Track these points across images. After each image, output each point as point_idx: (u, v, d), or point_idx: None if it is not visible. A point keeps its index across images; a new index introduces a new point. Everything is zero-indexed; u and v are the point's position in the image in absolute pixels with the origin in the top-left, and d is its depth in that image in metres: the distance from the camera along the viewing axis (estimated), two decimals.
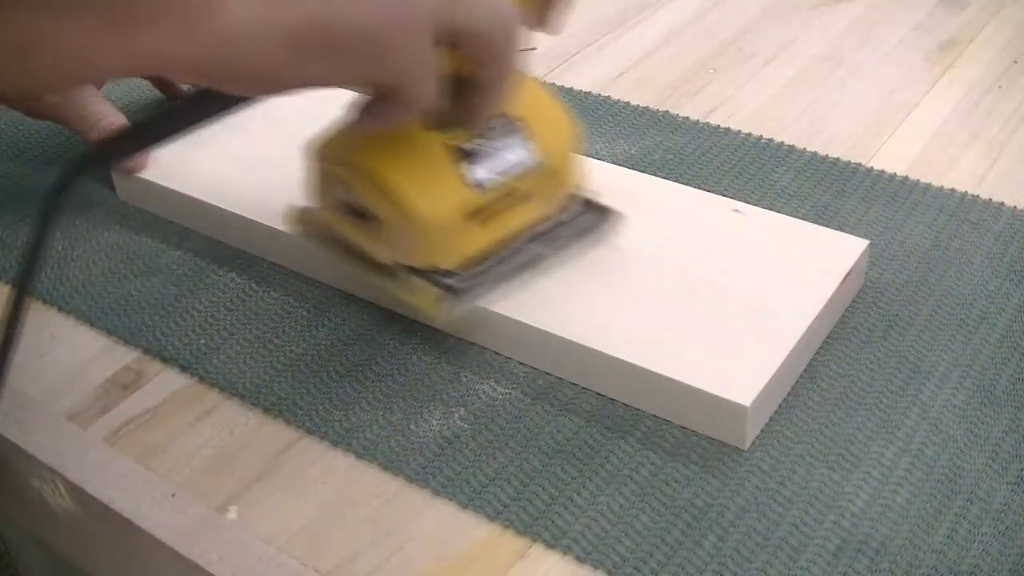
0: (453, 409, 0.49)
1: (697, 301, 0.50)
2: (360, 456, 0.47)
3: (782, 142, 0.65)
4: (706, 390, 0.45)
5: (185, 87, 0.69)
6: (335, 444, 0.48)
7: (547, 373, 0.50)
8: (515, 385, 0.50)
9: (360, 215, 0.50)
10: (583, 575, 0.42)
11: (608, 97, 0.72)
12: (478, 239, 0.50)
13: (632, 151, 0.66)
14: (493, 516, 0.44)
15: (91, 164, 0.48)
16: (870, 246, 0.53)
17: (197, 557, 0.43)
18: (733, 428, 0.45)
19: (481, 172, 0.49)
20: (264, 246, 0.58)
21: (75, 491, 0.48)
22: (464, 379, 0.50)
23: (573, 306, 0.50)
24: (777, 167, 0.63)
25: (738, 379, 0.45)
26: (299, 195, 0.53)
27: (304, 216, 0.54)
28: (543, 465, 0.46)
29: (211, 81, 0.40)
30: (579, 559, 0.42)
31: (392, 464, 0.46)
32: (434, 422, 0.48)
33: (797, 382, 0.49)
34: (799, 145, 0.65)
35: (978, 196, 0.60)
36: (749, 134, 0.66)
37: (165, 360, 0.53)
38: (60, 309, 0.57)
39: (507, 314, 0.50)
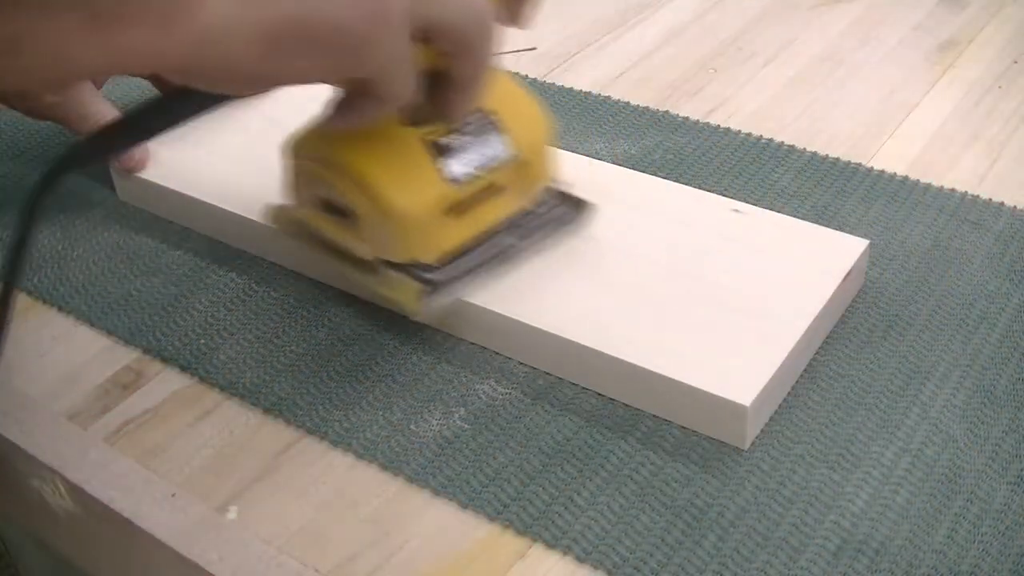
0: (453, 409, 0.49)
1: (697, 301, 0.50)
2: (360, 456, 0.47)
3: (782, 142, 0.65)
4: (706, 390, 0.45)
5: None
6: (335, 444, 0.48)
7: (547, 373, 0.50)
8: (515, 385, 0.50)
9: (338, 211, 0.50)
10: (583, 575, 0.42)
11: (608, 97, 0.72)
12: (456, 233, 0.50)
13: (632, 151, 0.66)
14: (493, 516, 0.44)
15: (76, 161, 0.48)
16: (870, 246, 0.53)
17: (197, 557, 0.43)
18: (733, 428, 0.45)
19: (457, 166, 0.49)
20: (264, 246, 0.58)
21: (75, 491, 0.48)
22: (464, 379, 0.50)
23: (573, 306, 0.50)
24: (777, 167, 0.63)
25: (738, 379, 0.45)
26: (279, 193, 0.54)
27: (282, 214, 0.54)
28: (543, 465, 0.46)
29: (192, 79, 0.40)
30: (579, 559, 0.42)
31: (392, 464, 0.46)
32: (434, 422, 0.48)
33: (797, 382, 0.49)
34: (799, 145, 0.65)
35: (978, 196, 0.60)
36: (749, 134, 0.66)
37: (165, 360, 0.53)
38: (60, 309, 0.57)
39: (507, 314, 0.50)
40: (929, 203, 0.59)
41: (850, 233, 0.54)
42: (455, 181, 0.49)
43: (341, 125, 0.47)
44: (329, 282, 0.56)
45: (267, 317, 0.55)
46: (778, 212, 0.56)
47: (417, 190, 0.49)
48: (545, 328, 0.49)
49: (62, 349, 0.54)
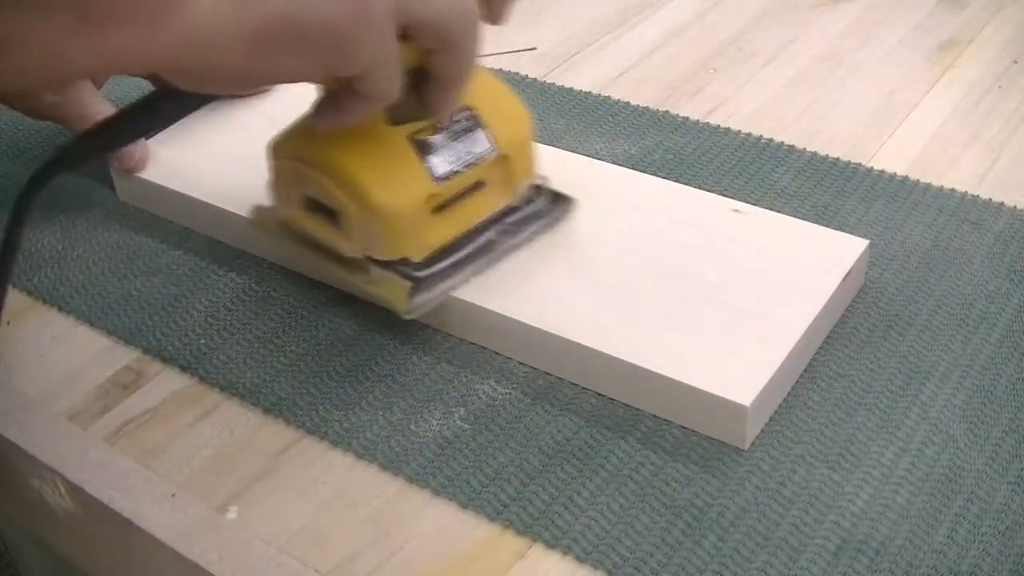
0: (453, 409, 0.49)
1: (697, 301, 0.50)
2: (360, 456, 0.47)
3: (782, 142, 0.65)
4: (706, 390, 0.45)
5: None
6: (335, 444, 0.48)
7: (547, 373, 0.50)
8: (515, 385, 0.50)
9: (325, 211, 0.51)
10: (583, 575, 0.42)
11: (608, 97, 0.72)
12: (442, 230, 0.51)
13: (632, 151, 0.66)
14: (493, 516, 0.44)
15: (67, 160, 0.48)
16: (870, 246, 0.53)
17: (197, 557, 0.43)
18: (733, 428, 0.45)
19: (442, 164, 0.50)
20: (264, 246, 0.58)
21: (75, 491, 0.48)
22: (464, 379, 0.50)
23: (573, 306, 0.50)
24: (777, 167, 0.63)
25: (738, 379, 0.45)
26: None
27: (266, 215, 0.54)
28: (543, 465, 0.46)
29: (181, 78, 0.40)
30: (579, 559, 0.42)
31: (392, 464, 0.46)
32: (434, 422, 0.48)
33: (797, 382, 0.49)
34: (799, 145, 0.65)
35: (978, 196, 0.60)
36: (749, 134, 0.66)
37: (165, 360, 0.53)
38: (60, 309, 0.57)
39: (508, 314, 0.50)
40: (929, 203, 0.59)
41: (850, 233, 0.54)
42: (440, 179, 0.50)
43: (327, 125, 0.47)
44: (329, 282, 0.56)
45: (267, 317, 0.55)
46: (778, 212, 0.56)
47: (403, 188, 0.49)
48: (545, 328, 0.49)
49: (62, 349, 0.54)
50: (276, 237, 0.54)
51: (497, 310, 0.50)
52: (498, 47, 0.76)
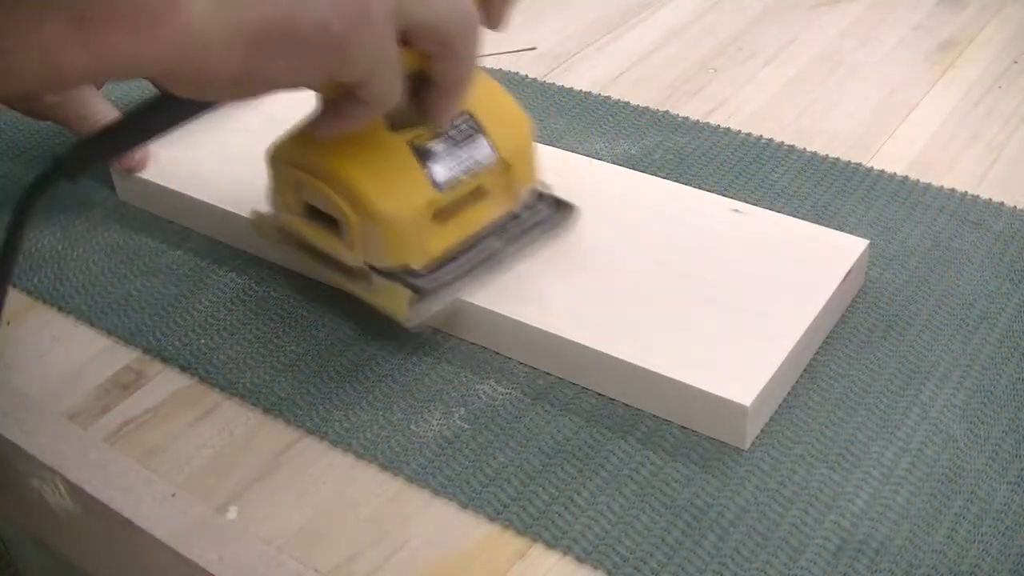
0: (453, 409, 0.49)
1: (697, 301, 0.50)
2: (360, 456, 0.47)
3: (782, 142, 0.65)
4: (706, 390, 0.45)
5: None
6: (335, 444, 0.48)
7: (547, 373, 0.50)
8: (515, 385, 0.50)
9: (325, 218, 0.50)
10: (583, 575, 0.42)
11: (608, 97, 0.72)
12: (443, 238, 0.50)
13: (632, 151, 0.66)
14: (493, 516, 0.44)
15: (68, 167, 0.48)
16: (870, 246, 0.53)
17: (197, 557, 0.43)
18: (733, 428, 0.45)
19: (443, 171, 0.49)
20: (264, 246, 0.58)
21: (75, 491, 0.48)
22: (464, 379, 0.50)
23: (573, 306, 0.50)
24: (777, 167, 0.63)
25: (738, 379, 0.45)
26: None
27: (266, 222, 0.54)
28: (543, 465, 0.46)
29: (175, 84, 0.40)
30: (579, 559, 0.42)
31: (392, 464, 0.46)
32: (434, 422, 0.48)
33: (797, 382, 0.49)
34: (799, 145, 0.65)
35: (978, 196, 0.60)
36: (749, 134, 0.66)
37: (165, 360, 0.53)
38: (60, 309, 0.57)
39: (507, 314, 0.50)
40: (929, 203, 0.59)
41: (850, 233, 0.54)
42: (441, 185, 0.49)
43: (328, 132, 0.46)
44: (329, 282, 0.56)
45: (267, 317, 0.55)
46: (778, 212, 0.56)
47: (404, 195, 0.48)
48: (545, 328, 0.49)
49: (62, 349, 0.54)
50: (277, 244, 0.54)
51: (497, 310, 0.50)
52: (498, 47, 0.76)
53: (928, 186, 0.61)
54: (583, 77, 0.74)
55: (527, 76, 0.75)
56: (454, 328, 0.52)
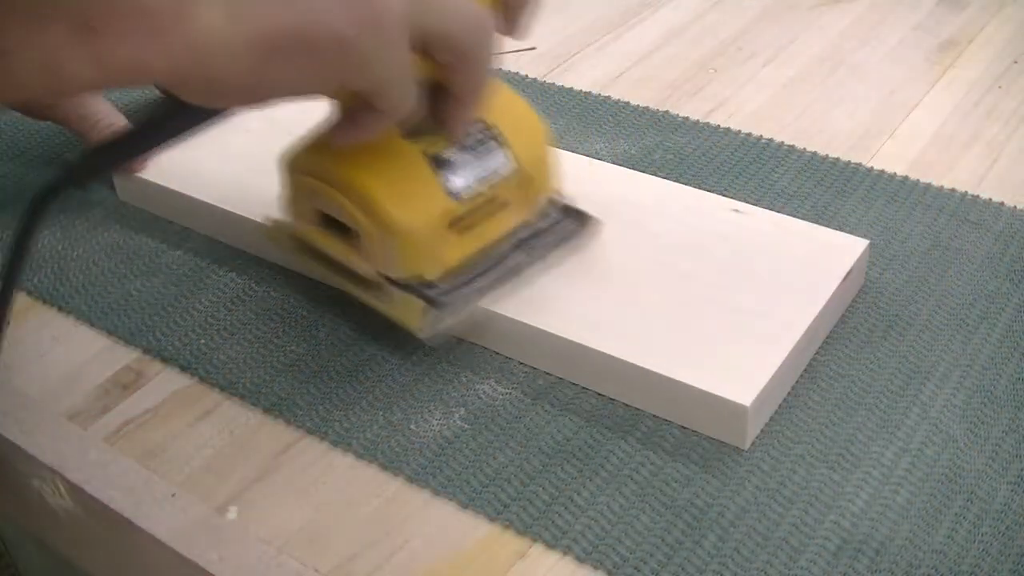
0: (453, 409, 0.49)
1: (697, 301, 0.50)
2: (360, 456, 0.47)
3: (782, 142, 0.65)
4: (706, 390, 0.45)
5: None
6: (335, 444, 0.48)
7: (547, 373, 0.50)
8: (515, 385, 0.50)
9: (339, 227, 0.49)
10: (583, 575, 0.42)
11: (608, 97, 0.72)
12: (459, 249, 0.49)
13: (632, 151, 0.66)
14: (493, 516, 0.44)
15: (78, 176, 0.47)
16: (870, 246, 0.53)
17: (197, 557, 0.43)
18: (733, 428, 0.45)
19: (459, 180, 0.48)
20: (264, 246, 0.58)
21: (75, 491, 0.48)
22: (464, 379, 0.50)
23: (573, 306, 0.50)
24: (777, 167, 0.63)
25: (738, 379, 0.45)
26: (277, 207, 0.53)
27: (280, 230, 0.54)
28: (543, 465, 0.46)
29: (186, 91, 0.39)
30: (579, 559, 0.42)
31: (392, 464, 0.46)
32: (434, 422, 0.48)
33: (797, 382, 0.49)
34: (799, 145, 0.65)
35: (978, 196, 0.60)
36: (749, 134, 0.66)
37: (165, 360, 0.53)
38: (60, 309, 0.57)
39: (507, 314, 0.50)
40: (929, 203, 0.59)
41: (850, 233, 0.54)
42: (457, 195, 0.48)
43: (343, 141, 0.46)
44: (329, 282, 0.56)
45: (267, 317, 0.55)
46: (778, 212, 0.56)
47: (419, 205, 0.48)
48: (545, 328, 0.49)
49: (62, 349, 0.54)
50: (290, 252, 0.54)
51: (497, 311, 0.50)
52: (498, 47, 0.76)
53: (928, 186, 0.61)
54: (583, 77, 0.74)
55: (527, 76, 0.75)
56: (454, 328, 0.52)
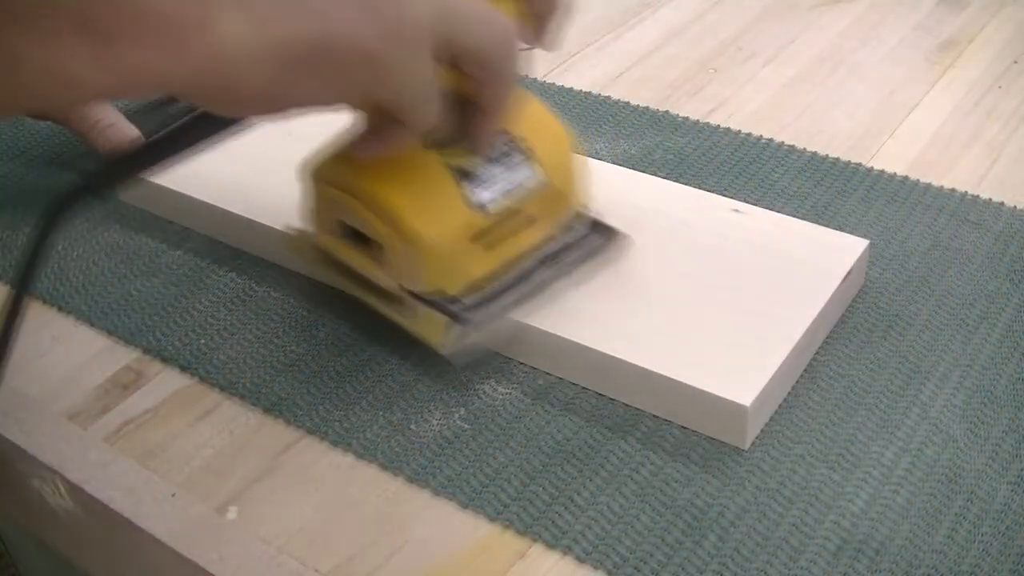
0: (453, 409, 0.49)
1: (697, 301, 0.50)
2: (360, 456, 0.47)
3: (782, 142, 0.65)
4: (706, 390, 0.45)
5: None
6: (335, 444, 0.48)
7: (547, 373, 0.50)
8: (515, 385, 0.50)
9: (361, 239, 0.49)
10: (583, 575, 0.42)
11: (608, 97, 0.72)
12: (483, 263, 0.48)
13: (632, 151, 0.66)
14: (493, 516, 0.44)
15: (97, 185, 0.46)
16: (870, 246, 0.53)
17: (197, 557, 0.43)
18: (733, 428, 0.45)
19: (484, 193, 0.48)
20: (264, 246, 0.58)
21: (75, 491, 0.48)
22: (464, 379, 0.50)
23: (573, 306, 0.50)
24: (777, 167, 0.63)
25: (738, 379, 0.45)
26: (295, 211, 0.53)
27: (302, 241, 0.53)
28: (543, 465, 0.46)
29: (204, 101, 0.39)
30: (579, 559, 0.42)
31: (392, 464, 0.46)
32: (434, 422, 0.48)
33: (797, 382, 0.49)
34: (799, 145, 0.65)
35: (978, 196, 0.60)
36: (749, 134, 0.66)
37: (165, 360, 0.53)
38: (60, 309, 0.57)
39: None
40: (929, 203, 0.59)
41: (850, 233, 0.54)
42: (481, 208, 0.47)
43: (366, 153, 0.45)
44: (329, 282, 0.56)
45: (267, 317, 0.55)
46: (778, 212, 0.56)
47: (443, 218, 0.47)
48: (545, 328, 0.49)
49: (62, 349, 0.54)
50: (312, 262, 0.53)
51: None
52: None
53: (928, 186, 0.61)
54: (583, 77, 0.74)
55: (527, 76, 0.75)
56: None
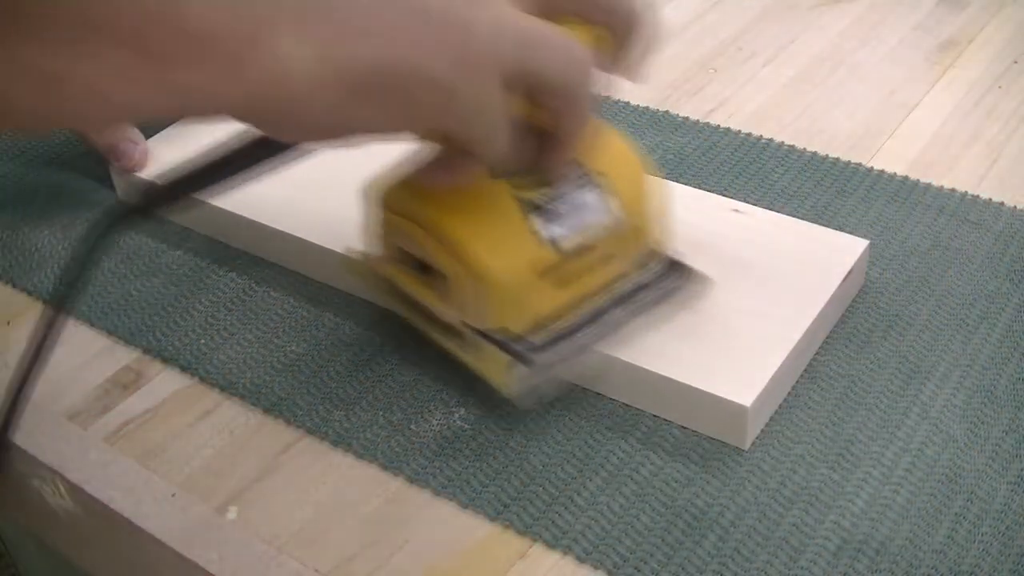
0: (453, 409, 0.49)
1: (697, 301, 0.50)
2: (360, 456, 0.47)
3: (782, 142, 0.65)
4: (706, 390, 0.45)
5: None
6: (335, 444, 0.48)
7: None
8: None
9: (424, 268, 0.47)
10: (583, 575, 0.42)
11: (608, 97, 0.71)
12: (551, 301, 0.46)
13: None
14: (493, 516, 0.44)
15: (146, 206, 0.45)
16: (870, 246, 0.53)
17: (197, 557, 0.43)
18: (733, 428, 0.45)
19: (555, 228, 0.45)
20: (264, 246, 0.58)
21: (75, 491, 0.48)
22: (464, 379, 0.50)
23: None
24: (777, 167, 0.63)
25: (738, 379, 0.45)
26: (354, 233, 0.51)
27: (364, 265, 0.51)
28: (543, 465, 0.46)
29: (261, 125, 0.37)
30: (579, 559, 0.42)
31: (392, 464, 0.46)
32: (434, 422, 0.48)
33: (797, 382, 0.49)
34: (799, 145, 0.65)
35: (978, 196, 0.60)
36: (749, 134, 0.66)
37: (165, 360, 0.53)
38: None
39: None
40: (929, 203, 0.59)
41: (850, 233, 0.54)
42: (552, 243, 0.45)
43: (433, 183, 0.44)
44: (329, 282, 0.56)
45: (267, 317, 0.55)
46: (778, 212, 0.56)
47: (510, 252, 0.45)
48: None
49: (62, 349, 0.54)
50: (372, 287, 0.51)
51: None
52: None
53: (928, 186, 0.61)
54: None
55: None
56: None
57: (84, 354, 0.54)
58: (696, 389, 0.46)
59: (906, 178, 0.62)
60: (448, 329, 0.47)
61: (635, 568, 0.41)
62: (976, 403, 0.47)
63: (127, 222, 0.44)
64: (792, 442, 0.46)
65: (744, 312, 0.49)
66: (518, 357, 0.45)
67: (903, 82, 0.71)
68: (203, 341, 0.54)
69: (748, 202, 0.57)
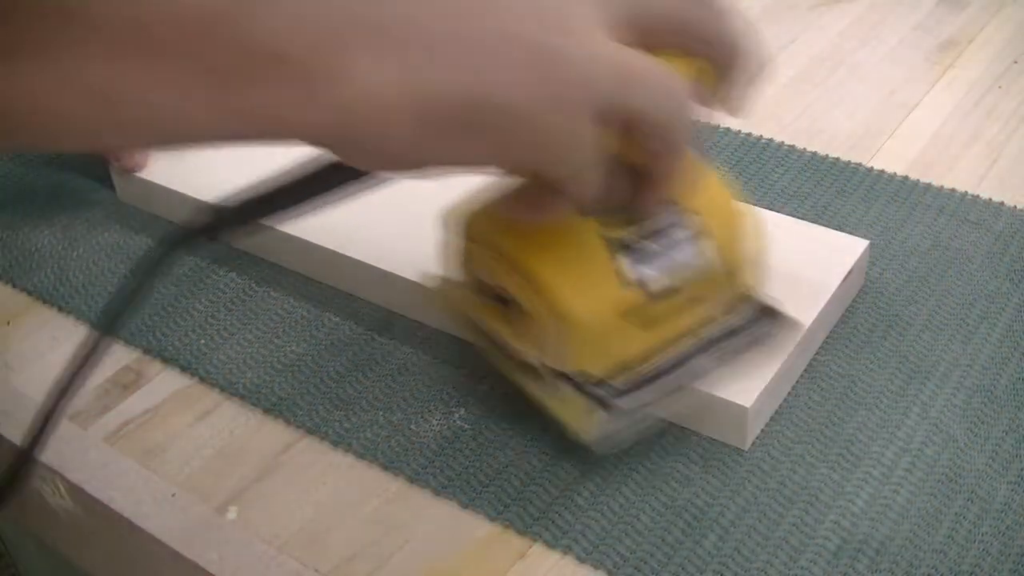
0: (453, 409, 0.49)
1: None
2: (360, 456, 0.47)
3: (782, 142, 0.65)
4: (707, 390, 0.45)
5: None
6: (335, 444, 0.48)
7: None
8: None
9: (504, 301, 0.45)
10: (583, 575, 0.42)
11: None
12: (635, 343, 0.44)
13: None
14: (493, 516, 0.44)
15: (214, 230, 0.43)
16: (870, 246, 0.53)
17: (197, 557, 0.43)
18: (734, 429, 0.45)
19: (644, 269, 0.43)
20: (264, 246, 0.58)
21: (75, 491, 0.48)
22: (464, 379, 0.50)
23: None
24: (777, 167, 0.63)
25: (738, 380, 0.45)
26: (427, 260, 0.50)
27: (446, 293, 0.49)
28: (543, 465, 0.46)
29: (338, 152, 0.35)
30: (579, 559, 0.42)
31: (392, 464, 0.46)
32: (434, 422, 0.48)
33: (797, 382, 0.49)
34: (799, 145, 0.65)
35: (978, 196, 0.60)
36: (749, 134, 0.66)
37: (165, 360, 0.53)
38: (60, 309, 0.57)
39: None
40: (929, 203, 0.59)
41: (850, 233, 0.54)
42: (640, 284, 0.43)
43: (520, 218, 0.41)
44: (329, 283, 0.56)
45: (267, 317, 0.55)
46: (778, 212, 0.56)
47: (595, 292, 0.42)
48: None
49: (62, 349, 0.54)
50: (452, 315, 0.49)
51: None
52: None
53: (928, 186, 0.61)
54: None
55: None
56: (450, 326, 0.52)
57: None
58: (696, 389, 0.45)
59: (906, 178, 0.62)
60: (527, 368, 0.45)
61: (635, 568, 0.41)
62: (976, 403, 0.47)
63: (187, 246, 0.42)
64: (792, 442, 0.46)
65: None
66: (600, 403, 0.43)
67: (903, 82, 0.71)
68: (203, 341, 0.54)
69: (748, 202, 0.57)
